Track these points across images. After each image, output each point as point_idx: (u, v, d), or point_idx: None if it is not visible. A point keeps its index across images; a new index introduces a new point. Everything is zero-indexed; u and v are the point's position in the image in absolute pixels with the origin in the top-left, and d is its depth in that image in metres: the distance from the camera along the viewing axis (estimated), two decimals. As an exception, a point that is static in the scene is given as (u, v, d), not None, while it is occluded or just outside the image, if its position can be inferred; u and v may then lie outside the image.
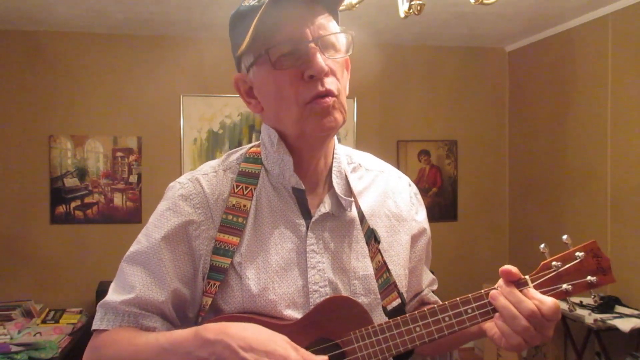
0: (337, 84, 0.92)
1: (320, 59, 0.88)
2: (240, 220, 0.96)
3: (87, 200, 4.29)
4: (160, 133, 4.38)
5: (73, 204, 4.26)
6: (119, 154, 4.34)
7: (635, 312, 3.31)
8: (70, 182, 4.26)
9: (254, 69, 0.94)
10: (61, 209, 4.24)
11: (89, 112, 4.28)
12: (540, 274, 0.88)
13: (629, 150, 3.55)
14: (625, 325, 3.11)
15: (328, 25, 0.92)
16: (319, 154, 1.00)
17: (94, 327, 0.95)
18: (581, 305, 3.47)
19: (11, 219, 4.17)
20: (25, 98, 4.19)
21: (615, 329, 3.13)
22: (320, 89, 0.89)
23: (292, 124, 0.93)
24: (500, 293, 0.86)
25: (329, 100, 0.90)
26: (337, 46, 0.93)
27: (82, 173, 4.28)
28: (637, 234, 3.48)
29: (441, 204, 4.85)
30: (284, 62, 0.89)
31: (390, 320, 0.90)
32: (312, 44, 0.89)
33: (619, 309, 3.39)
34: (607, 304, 3.38)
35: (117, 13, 3.80)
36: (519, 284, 0.86)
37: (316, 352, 0.88)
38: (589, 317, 3.25)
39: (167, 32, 4.32)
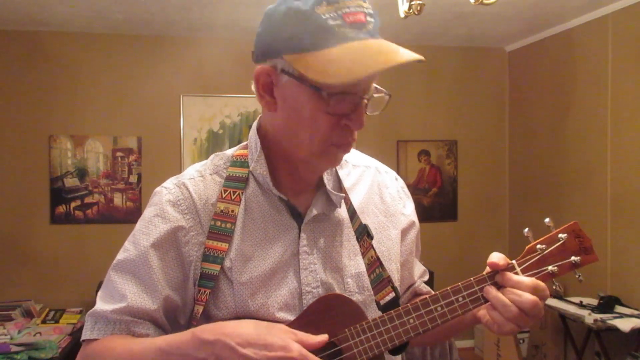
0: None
1: (364, 115, 0.89)
2: (228, 226, 0.95)
3: (87, 200, 4.29)
4: (160, 133, 4.38)
5: (73, 204, 4.26)
6: (119, 154, 4.34)
7: (635, 312, 3.31)
8: (70, 182, 4.26)
9: (291, 80, 0.87)
10: (61, 209, 4.24)
11: (89, 112, 4.28)
12: (526, 258, 0.92)
13: (629, 150, 3.55)
14: (625, 325, 3.11)
15: (376, 80, 0.92)
16: (318, 173, 1.01)
17: (84, 337, 0.93)
18: (581, 305, 3.47)
19: (11, 219, 4.17)
20: (25, 98, 4.19)
21: (615, 329, 3.13)
22: (350, 139, 0.92)
23: (307, 151, 0.91)
24: (492, 287, 0.89)
25: (348, 149, 0.94)
26: (376, 103, 0.93)
27: (82, 173, 4.29)
28: (637, 234, 3.48)
29: (441, 204, 4.85)
30: (337, 107, 0.86)
31: (384, 314, 0.91)
32: (365, 100, 0.89)
33: (619, 309, 3.39)
34: (607, 304, 3.38)
35: (117, 13, 3.80)
36: (507, 270, 0.90)
37: (313, 353, 0.87)
38: (589, 317, 3.25)
39: (167, 32, 4.32)
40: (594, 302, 3.46)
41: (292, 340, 0.82)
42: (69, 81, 4.25)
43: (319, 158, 0.92)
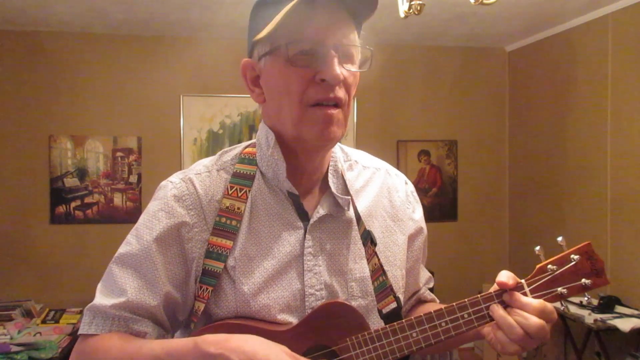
0: (346, 96, 0.91)
1: (337, 67, 0.87)
2: (234, 223, 0.93)
3: (87, 200, 4.29)
4: (160, 133, 4.38)
5: (73, 204, 4.26)
6: (119, 154, 4.34)
7: (635, 312, 3.31)
8: (70, 182, 4.26)
9: (267, 59, 0.92)
10: (61, 209, 4.24)
11: (89, 112, 4.28)
12: (536, 278, 0.89)
13: (629, 150, 3.55)
14: (625, 325, 3.11)
15: (351, 36, 0.91)
16: (315, 159, 0.98)
17: (81, 331, 0.92)
18: (581, 305, 3.47)
19: (11, 219, 4.17)
20: (25, 98, 4.19)
21: (615, 329, 3.13)
22: (330, 95, 0.88)
23: (292, 124, 0.91)
24: (499, 306, 0.87)
25: (334, 111, 0.89)
26: (355, 59, 0.92)
27: (82, 173, 4.28)
28: (637, 234, 3.48)
29: (441, 204, 4.84)
30: (300, 59, 0.88)
31: (387, 326, 0.90)
32: (333, 50, 0.88)
33: (619, 309, 3.39)
34: (607, 304, 3.38)
35: (117, 13, 3.80)
36: (516, 289, 0.88)
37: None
38: (589, 317, 3.25)
39: (167, 32, 4.32)
40: (594, 302, 3.46)
41: None
42: (69, 81, 4.25)
43: (303, 127, 0.90)
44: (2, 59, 4.17)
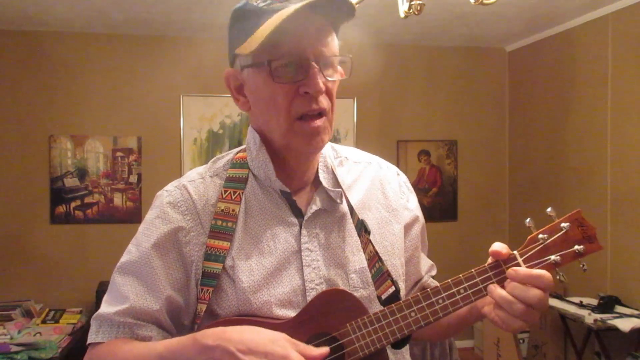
0: (329, 103, 0.94)
1: (319, 79, 0.90)
2: (229, 224, 0.96)
3: (87, 200, 4.29)
4: (160, 133, 4.38)
5: (73, 204, 4.26)
6: (119, 154, 4.34)
7: (635, 312, 3.31)
8: (70, 182, 4.26)
9: (249, 70, 0.94)
10: (61, 209, 4.24)
11: (89, 112, 4.28)
12: (528, 248, 0.89)
13: (629, 150, 3.55)
14: (625, 325, 3.11)
15: (331, 44, 0.94)
16: (304, 162, 1.01)
17: (89, 340, 0.94)
18: (581, 305, 3.47)
19: (11, 219, 4.17)
20: (25, 98, 4.19)
21: (615, 329, 3.14)
22: (314, 107, 0.91)
23: (280, 135, 0.94)
24: (495, 286, 0.87)
25: (320, 122, 0.92)
26: (336, 66, 0.95)
27: (82, 173, 4.28)
28: (637, 234, 3.48)
29: (441, 204, 4.85)
30: (283, 74, 0.90)
31: (386, 308, 0.90)
32: (314, 62, 0.90)
33: (619, 309, 3.39)
34: (607, 304, 3.38)
35: (117, 13, 3.80)
36: (509, 261, 0.88)
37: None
38: (589, 317, 3.25)
39: (167, 32, 4.32)
40: (594, 302, 3.46)
41: (293, 350, 0.82)
42: (69, 81, 4.25)
43: (291, 138, 0.93)
44: (2, 59, 4.17)
